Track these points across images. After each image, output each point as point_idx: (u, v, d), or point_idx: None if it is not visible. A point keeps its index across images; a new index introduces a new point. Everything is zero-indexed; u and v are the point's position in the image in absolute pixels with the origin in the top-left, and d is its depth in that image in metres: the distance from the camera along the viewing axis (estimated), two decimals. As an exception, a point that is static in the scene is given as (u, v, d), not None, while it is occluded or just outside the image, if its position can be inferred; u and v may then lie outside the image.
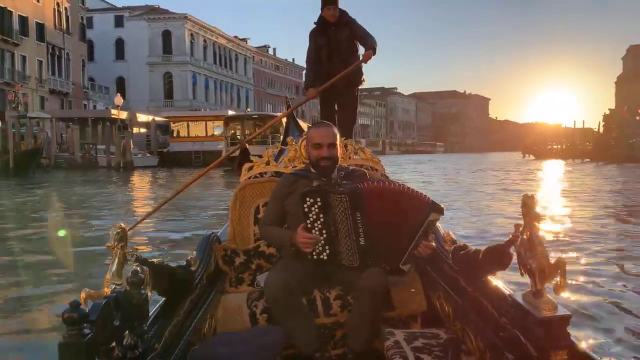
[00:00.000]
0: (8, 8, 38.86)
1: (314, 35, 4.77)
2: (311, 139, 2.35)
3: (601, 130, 43.45)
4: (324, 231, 2.14)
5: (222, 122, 30.75)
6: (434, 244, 2.22)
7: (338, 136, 2.37)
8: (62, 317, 1.15)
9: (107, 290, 1.50)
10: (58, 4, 45.16)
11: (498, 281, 1.85)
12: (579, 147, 42.27)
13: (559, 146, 48.48)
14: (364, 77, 4.85)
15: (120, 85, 54.13)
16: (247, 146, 3.73)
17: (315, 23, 4.78)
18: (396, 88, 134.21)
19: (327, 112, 4.81)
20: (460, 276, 2.08)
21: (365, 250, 2.12)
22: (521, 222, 1.59)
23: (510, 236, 1.65)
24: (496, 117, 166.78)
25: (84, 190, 16.93)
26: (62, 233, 8.19)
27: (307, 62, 5.01)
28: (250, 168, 2.83)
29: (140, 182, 22.27)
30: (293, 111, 4.55)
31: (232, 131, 28.14)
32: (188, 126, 38.82)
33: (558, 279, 1.54)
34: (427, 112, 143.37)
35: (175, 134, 39.05)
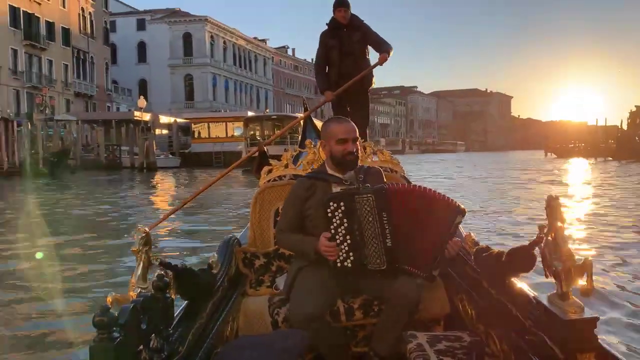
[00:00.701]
0: (35, 14, 39.95)
1: (324, 36, 4.80)
2: (335, 135, 2.28)
3: (625, 127, 42.69)
4: (347, 237, 2.11)
5: (242, 123, 31.21)
6: (458, 239, 2.19)
7: (357, 132, 2.37)
8: (92, 321, 1.17)
9: (132, 294, 1.51)
10: (83, 9, 46.26)
11: (522, 283, 1.81)
12: (601, 145, 41.60)
13: (582, 144, 47.75)
14: (374, 78, 4.92)
15: (143, 88, 55.14)
16: (265, 147, 3.77)
17: (327, 24, 4.81)
18: (416, 87, 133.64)
19: (340, 114, 4.72)
20: (483, 278, 2.06)
21: (392, 252, 2.09)
22: (546, 223, 1.56)
23: (535, 237, 1.62)
24: (519, 115, 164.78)
25: (119, 191, 17.48)
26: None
27: (315, 65, 5.06)
28: (270, 171, 2.82)
29: (165, 183, 22.78)
30: (311, 113, 4.63)
31: (252, 132, 28.54)
32: (209, 127, 39.39)
33: (585, 280, 1.51)
34: (448, 110, 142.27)
35: (196, 135, 39.66)
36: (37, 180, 21.44)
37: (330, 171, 2.31)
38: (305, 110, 4.61)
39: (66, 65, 43.34)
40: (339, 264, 2.12)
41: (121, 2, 58.30)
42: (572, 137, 53.29)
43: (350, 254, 2.11)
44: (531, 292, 1.73)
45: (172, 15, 57.59)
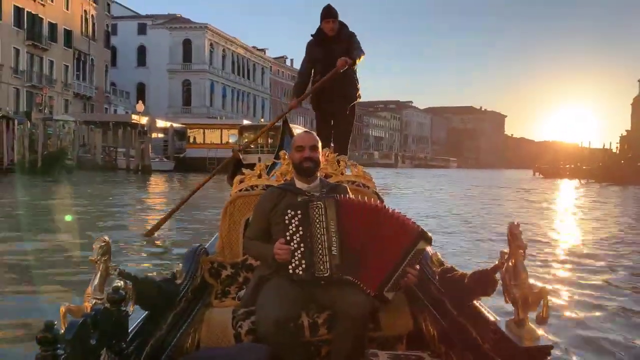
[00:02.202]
0: (39, 15, 40.73)
1: (310, 47, 4.70)
2: (294, 143, 2.42)
3: (616, 150, 43.73)
4: (301, 244, 2.12)
5: (237, 130, 31.94)
6: (416, 272, 2.17)
7: (320, 142, 2.44)
8: (35, 338, 1.14)
9: (87, 305, 1.48)
10: (86, 12, 47.06)
11: (483, 306, 1.84)
12: (585, 168, 42.70)
13: (570, 165, 48.89)
14: (359, 93, 4.77)
15: (141, 91, 55.91)
16: (241, 156, 3.76)
17: (312, 35, 4.70)
18: (412, 102, 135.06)
19: (323, 128, 4.74)
20: (446, 299, 2.07)
21: (337, 261, 2.10)
22: (507, 249, 1.60)
23: (497, 262, 1.65)
24: (512, 135, 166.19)
25: (116, 190, 18.15)
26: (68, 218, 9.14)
27: (298, 73, 5.00)
28: (242, 181, 2.81)
29: (159, 185, 23.56)
30: (283, 121, 4.35)
31: (246, 140, 29.23)
32: (204, 133, 40.05)
33: (541, 308, 1.53)
34: (443, 126, 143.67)
35: (191, 140, 40.35)
36: (34, 178, 22.12)
37: (298, 183, 2.39)
38: (284, 121, 4.40)
39: (67, 66, 44.04)
40: (291, 271, 2.13)
41: (123, 6, 59.09)
42: (563, 158, 54.26)
43: (303, 261, 2.12)
44: (491, 316, 1.75)
45: (173, 21, 58.44)
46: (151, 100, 53.68)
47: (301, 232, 2.14)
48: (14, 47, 38.43)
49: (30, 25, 39.72)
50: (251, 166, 2.96)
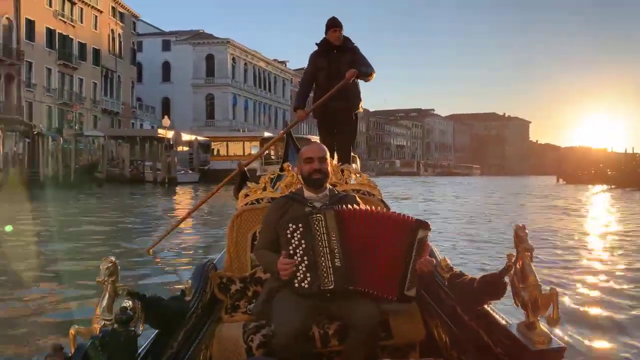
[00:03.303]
0: (70, 36, 42.56)
1: (314, 57, 4.71)
2: (302, 155, 2.41)
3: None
4: (305, 257, 2.11)
5: (258, 142, 32.82)
6: (431, 258, 2.19)
7: (328, 153, 2.45)
8: None
9: (96, 327, 1.48)
10: (113, 31, 48.88)
11: (494, 310, 1.83)
12: (610, 173, 42.14)
13: (592, 171, 48.23)
14: (362, 103, 4.82)
15: (166, 105, 57.48)
16: (246, 169, 3.68)
17: (317, 44, 4.71)
18: (433, 109, 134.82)
19: (325, 137, 4.75)
20: (456, 304, 2.06)
21: (342, 272, 2.08)
22: (514, 252, 1.59)
23: (505, 266, 1.64)
24: (537, 140, 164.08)
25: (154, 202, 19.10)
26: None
27: (300, 83, 4.95)
28: (247, 194, 2.81)
29: (185, 196, 24.53)
30: (287, 133, 4.49)
31: (267, 152, 29.96)
32: (227, 146, 41.12)
33: (552, 310, 1.51)
34: (465, 134, 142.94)
35: (215, 153, 41.44)
36: (69, 190, 23.37)
37: (306, 193, 2.38)
38: (288, 133, 4.51)
39: (95, 84, 45.72)
40: (296, 285, 2.11)
41: (148, 24, 60.95)
42: (588, 164, 53.24)
43: (308, 274, 2.10)
44: (502, 320, 1.74)
45: (196, 37, 59.93)
46: (176, 114, 55.02)
47: (304, 246, 2.12)
48: (47, 67, 40.19)
49: (61, 46, 41.50)
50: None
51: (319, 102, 4.50)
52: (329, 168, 2.45)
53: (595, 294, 5.49)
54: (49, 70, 40.49)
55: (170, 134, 38.23)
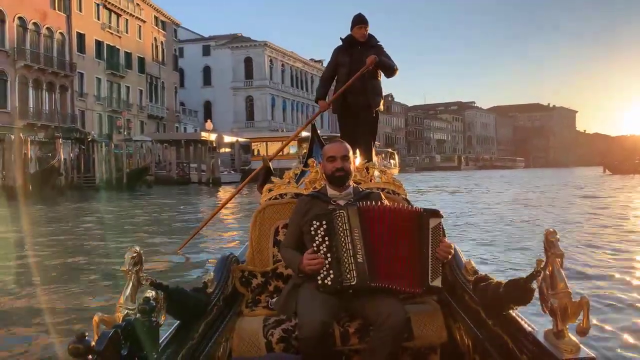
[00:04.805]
0: (116, 46, 44.83)
1: (337, 52, 4.76)
2: (325, 154, 2.43)
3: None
4: (328, 254, 2.12)
5: (296, 142, 33.68)
6: (449, 242, 2.18)
7: (351, 151, 2.45)
8: (67, 348, 1.16)
9: (119, 315, 1.49)
10: (155, 39, 51.01)
11: (520, 316, 1.79)
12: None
13: (637, 161, 46.68)
14: (382, 100, 4.82)
15: (207, 109, 59.43)
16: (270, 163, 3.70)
17: (342, 39, 4.77)
18: (474, 102, 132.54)
19: (346, 134, 4.75)
20: (480, 308, 2.02)
21: (363, 268, 2.08)
22: (543, 257, 1.55)
23: (533, 271, 1.60)
24: (584, 130, 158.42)
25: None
26: None
27: (320, 78, 5.05)
28: (271, 189, 2.82)
29: (228, 194, 25.83)
30: (309, 126, 4.56)
31: (304, 151, 30.76)
32: (267, 146, 42.35)
33: (582, 319, 1.46)
34: (508, 126, 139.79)
35: (255, 153, 42.75)
36: (122, 192, 25.16)
37: (330, 191, 2.40)
38: (313, 128, 4.55)
39: (141, 91, 47.86)
40: (320, 281, 2.12)
41: (188, 30, 63.04)
42: (636, 153, 51.43)
43: (331, 271, 2.11)
44: (528, 326, 1.70)
45: (235, 40, 61.47)
46: (217, 116, 56.74)
47: (327, 242, 2.14)
48: (96, 77, 42.49)
49: (109, 56, 43.76)
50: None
51: (340, 91, 4.63)
52: (352, 166, 2.46)
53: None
54: (99, 79, 42.77)
55: (213, 137, 39.80)
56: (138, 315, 1.46)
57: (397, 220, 2.15)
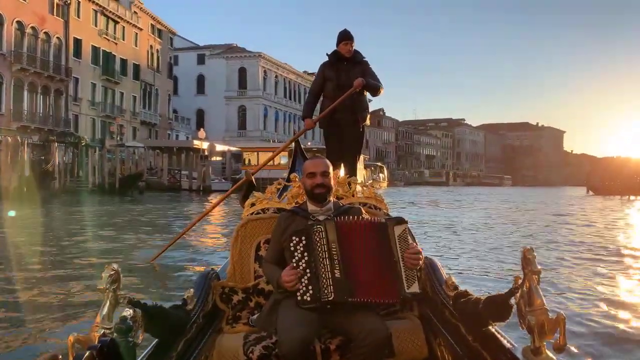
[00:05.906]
0: (112, 52, 45.28)
1: (323, 67, 4.79)
2: (305, 170, 2.42)
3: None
4: (307, 270, 2.11)
5: (287, 152, 34.25)
6: (417, 246, 2.19)
7: (331, 167, 2.44)
8: None
9: (96, 335, 1.44)
10: (151, 47, 51.49)
11: (499, 332, 1.81)
12: (638, 181, 41.73)
13: (619, 182, 47.73)
14: (368, 115, 4.87)
15: (200, 117, 59.77)
16: (253, 178, 3.68)
17: (327, 55, 4.78)
18: (464, 119, 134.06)
19: (331, 149, 4.79)
20: (460, 324, 2.03)
21: (342, 283, 2.08)
22: (521, 274, 1.56)
23: (511, 288, 1.61)
24: (572, 150, 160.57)
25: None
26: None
27: (308, 93, 5.05)
28: (253, 204, 2.78)
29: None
30: (292, 143, 4.54)
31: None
32: (258, 156, 42.94)
33: (558, 336, 1.48)
34: (497, 144, 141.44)
35: (246, 162, 43.27)
36: (114, 197, 25.54)
37: (310, 207, 2.39)
38: (296, 143, 4.59)
39: (135, 97, 48.18)
40: (299, 297, 2.11)
41: (184, 39, 63.51)
42: (617, 174, 52.33)
43: (310, 287, 2.10)
44: (507, 342, 1.72)
45: (229, 50, 61.97)
46: (209, 125, 57.05)
47: (306, 258, 2.13)
48: (91, 82, 42.84)
49: (105, 62, 44.11)
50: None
51: (325, 112, 4.65)
52: (332, 182, 2.45)
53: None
54: (94, 85, 43.11)
55: (205, 145, 40.35)
56: (115, 334, 1.43)
57: (368, 232, 2.17)
